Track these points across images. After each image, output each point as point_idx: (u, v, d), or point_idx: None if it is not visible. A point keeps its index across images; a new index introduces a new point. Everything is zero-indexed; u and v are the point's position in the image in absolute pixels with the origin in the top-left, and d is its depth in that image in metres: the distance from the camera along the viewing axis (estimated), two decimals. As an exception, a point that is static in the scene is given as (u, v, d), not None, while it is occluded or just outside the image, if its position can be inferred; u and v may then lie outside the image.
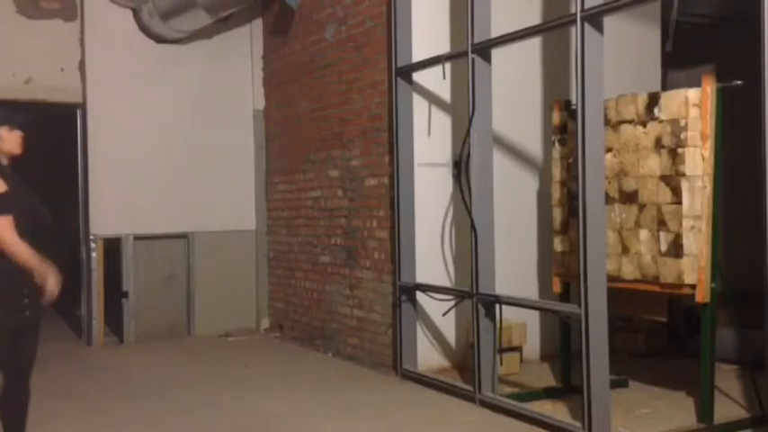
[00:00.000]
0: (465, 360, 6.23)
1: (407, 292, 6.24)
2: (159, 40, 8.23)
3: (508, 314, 5.77)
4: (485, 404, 5.35)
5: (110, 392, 6.12)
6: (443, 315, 5.96)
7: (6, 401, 3.98)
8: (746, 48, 4.41)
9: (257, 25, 8.73)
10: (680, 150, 4.74)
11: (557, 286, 5.68)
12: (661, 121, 4.87)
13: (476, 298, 5.45)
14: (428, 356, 6.35)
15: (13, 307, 3.90)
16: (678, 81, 6.95)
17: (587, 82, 4.49)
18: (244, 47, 8.70)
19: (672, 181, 4.80)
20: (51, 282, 3.92)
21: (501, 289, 5.53)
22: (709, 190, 4.71)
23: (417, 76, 6.26)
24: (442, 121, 6.44)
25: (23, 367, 4.03)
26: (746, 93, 4.41)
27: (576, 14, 4.53)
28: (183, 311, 8.48)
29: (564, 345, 5.64)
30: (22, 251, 3.84)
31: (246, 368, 6.88)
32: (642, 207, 4.99)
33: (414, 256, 6.27)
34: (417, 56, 6.18)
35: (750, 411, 5.06)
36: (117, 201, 8.04)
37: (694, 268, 4.71)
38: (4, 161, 3.96)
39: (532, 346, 6.57)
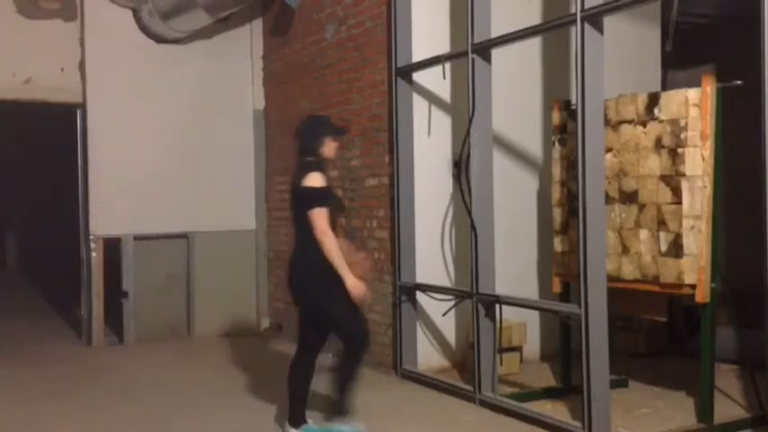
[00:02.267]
0: (465, 360, 6.23)
1: (407, 292, 6.24)
2: (159, 40, 8.23)
3: (508, 314, 5.77)
4: (485, 404, 5.35)
5: (109, 392, 6.12)
6: (443, 315, 5.96)
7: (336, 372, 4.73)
8: (746, 48, 4.42)
9: (257, 25, 8.73)
10: (680, 150, 4.74)
11: (557, 286, 5.68)
12: (661, 121, 4.87)
13: (476, 298, 5.45)
14: (428, 356, 6.35)
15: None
16: (678, 81, 6.95)
17: (587, 82, 4.49)
18: (244, 47, 8.70)
19: (672, 181, 4.80)
20: (349, 281, 4.49)
21: (501, 289, 5.53)
22: (709, 190, 4.71)
23: (417, 76, 6.26)
24: (442, 121, 6.44)
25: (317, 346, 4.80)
26: (746, 93, 4.41)
27: (576, 14, 4.53)
28: (183, 311, 8.48)
29: (564, 345, 5.64)
30: (330, 242, 4.46)
31: (246, 368, 6.88)
32: (642, 207, 4.99)
33: (414, 256, 6.27)
34: (417, 56, 6.18)
35: (750, 411, 5.06)
36: (117, 201, 8.04)
37: (694, 268, 4.71)
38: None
39: (532, 346, 6.57)
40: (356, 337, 4.63)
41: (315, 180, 4.52)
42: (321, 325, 4.73)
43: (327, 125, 4.85)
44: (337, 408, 4.69)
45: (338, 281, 4.51)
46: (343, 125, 4.87)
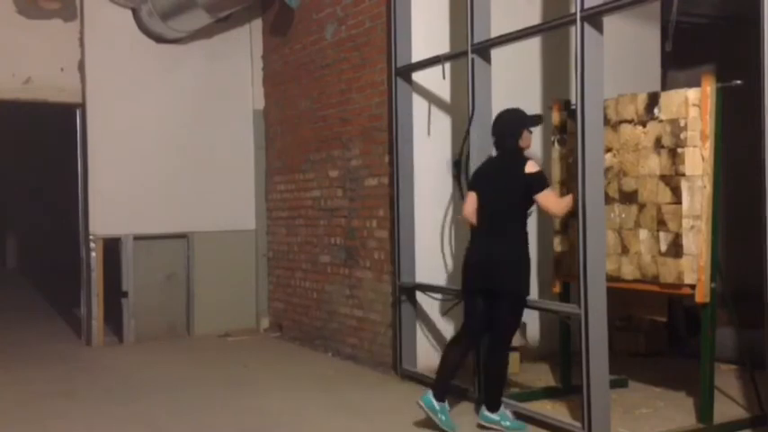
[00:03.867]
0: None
1: (407, 292, 6.24)
2: (159, 39, 8.23)
3: (508, 314, 5.76)
4: (485, 404, 5.34)
5: (109, 392, 6.12)
6: (443, 315, 5.95)
7: (491, 362, 4.95)
8: (746, 48, 4.42)
9: (257, 25, 8.73)
10: (680, 150, 4.74)
11: (557, 286, 5.68)
12: (661, 121, 4.87)
13: (476, 298, 5.44)
14: (428, 356, 6.33)
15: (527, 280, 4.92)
16: (678, 81, 6.95)
17: (587, 82, 4.49)
18: (244, 47, 8.70)
19: (672, 181, 4.79)
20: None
21: (501, 289, 5.51)
22: (709, 190, 4.71)
23: (417, 76, 6.26)
24: (442, 121, 6.43)
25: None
26: (746, 93, 4.41)
27: (575, 14, 4.52)
28: (183, 311, 8.48)
29: (564, 345, 5.64)
30: (563, 205, 4.85)
31: (246, 368, 6.88)
32: (642, 207, 4.99)
33: (414, 256, 6.27)
34: (417, 56, 6.17)
35: (750, 411, 5.06)
36: (117, 201, 8.04)
37: (694, 268, 4.71)
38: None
39: (532, 346, 6.56)
40: (509, 333, 4.96)
41: (534, 166, 4.78)
42: (506, 311, 4.91)
43: (522, 118, 4.98)
44: (486, 401, 4.93)
45: (527, 276, 4.88)
46: (537, 114, 5.15)
